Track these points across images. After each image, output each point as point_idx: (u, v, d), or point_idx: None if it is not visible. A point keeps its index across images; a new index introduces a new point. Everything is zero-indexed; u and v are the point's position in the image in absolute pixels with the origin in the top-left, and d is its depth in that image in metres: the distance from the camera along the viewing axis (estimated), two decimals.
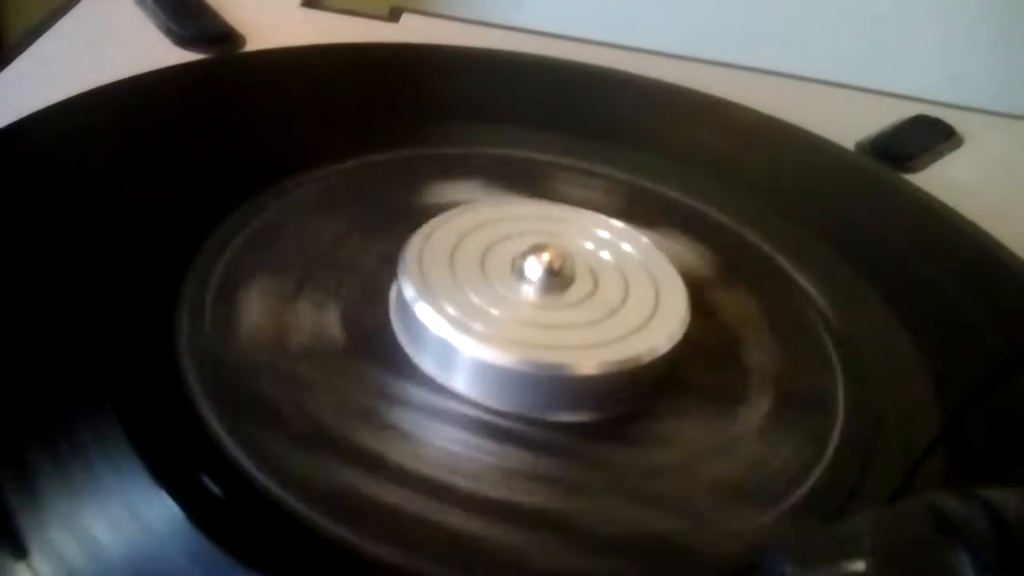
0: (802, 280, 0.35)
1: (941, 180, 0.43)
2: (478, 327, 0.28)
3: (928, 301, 0.36)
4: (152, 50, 0.42)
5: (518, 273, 0.30)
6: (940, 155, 0.45)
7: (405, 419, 0.28)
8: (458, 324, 0.28)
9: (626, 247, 0.32)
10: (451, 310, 0.29)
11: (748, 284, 0.35)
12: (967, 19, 0.52)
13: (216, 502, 0.25)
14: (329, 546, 0.25)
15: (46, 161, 0.36)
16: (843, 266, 0.36)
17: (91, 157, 0.36)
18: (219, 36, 0.44)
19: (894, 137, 0.45)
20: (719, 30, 0.50)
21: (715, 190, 0.39)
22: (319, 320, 0.30)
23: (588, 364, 0.28)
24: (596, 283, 0.31)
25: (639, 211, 0.36)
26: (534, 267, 0.30)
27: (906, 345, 0.33)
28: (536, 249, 0.30)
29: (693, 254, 0.35)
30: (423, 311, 0.29)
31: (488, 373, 0.28)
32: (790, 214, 0.39)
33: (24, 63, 0.41)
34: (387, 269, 0.31)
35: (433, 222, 0.32)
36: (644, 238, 0.33)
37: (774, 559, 0.20)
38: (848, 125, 0.45)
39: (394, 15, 0.48)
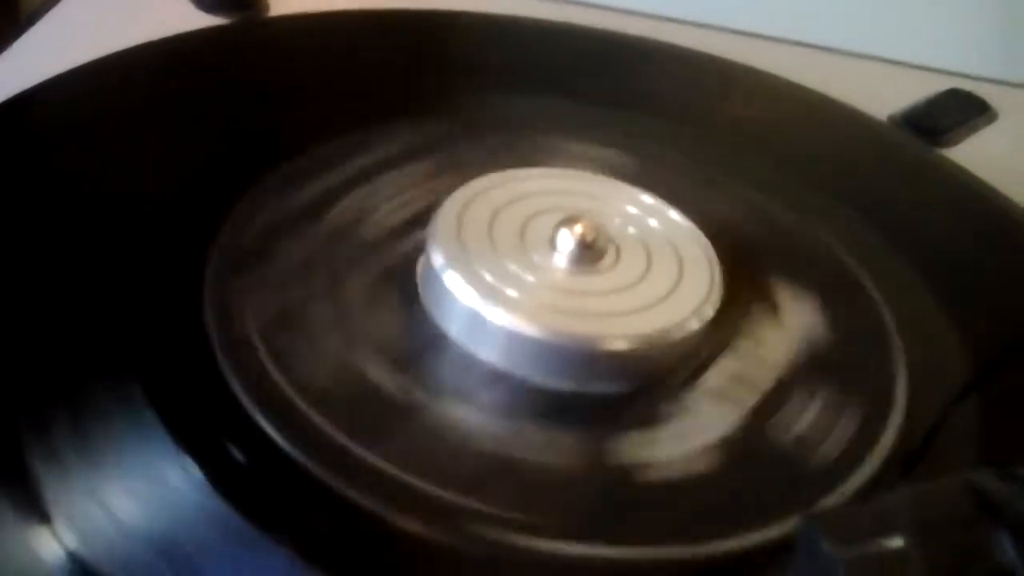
0: (834, 253, 0.35)
1: (975, 155, 0.42)
2: (507, 297, 0.28)
3: (963, 274, 0.36)
4: (174, 15, 0.42)
5: (550, 244, 0.29)
6: (974, 129, 0.44)
7: (432, 389, 0.28)
8: (487, 293, 0.28)
9: (659, 221, 0.32)
10: (481, 279, 0.28)
11: (779, 257, 0.34)
12: None
13: (241, 470, 0.25)
14: (354, 516, 0.24)
15: (65, 126, 0.35)
16: (876, 238, 0.36)
17: (112, 123, 0.35)
18: (242, 1, 0.43)
19: (927, 111, 0.44)
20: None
21: (746, 161, 0.39)
22: (346, 288, 0.30)
23: (618, 339, 0.28)
24: (629, 256, 0.30)
25: (667, 183, 0.35)
26: (566, 239, 0.29)
27: (941, 318, 0.33)
28: (569, 220, 0.29)
29: (724, 226, 0.34)
30: (452, 280, 0.28)
31: (517, 343, 0.28)
32: (822, 186, 0.38)
33: (44, 27, 0.40)
34: (416, 237, 0.31)
35: (463, 190, 0.31)
36: (677, 212, 0.32)
37: (809, 535, 0.19)
38: (880, 98, 0.44)
39: None
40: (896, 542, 0.19)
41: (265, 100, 0.38)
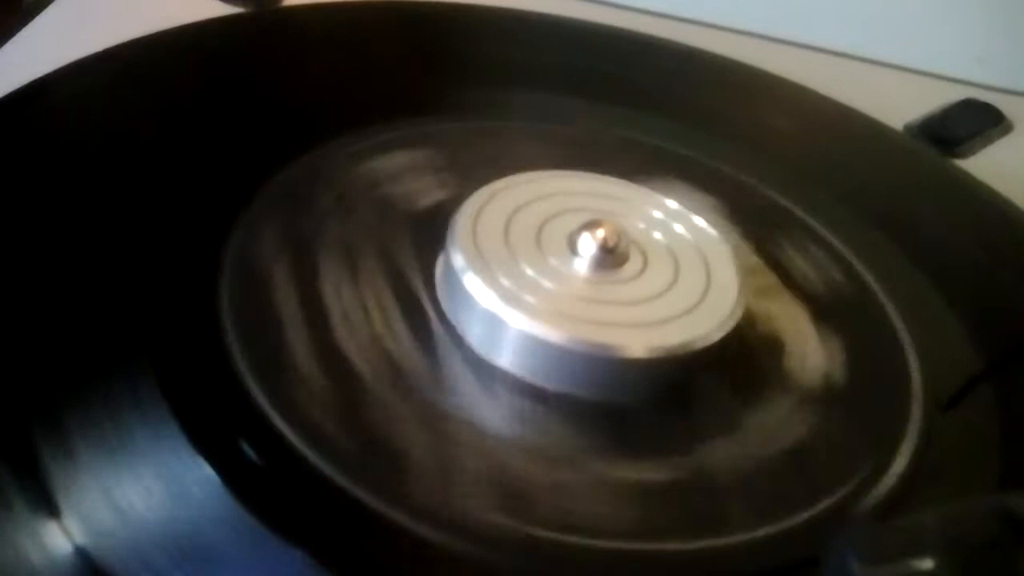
0: (849, 261, 0.35)
1: (990, 165, 0.42)
2: (527, 301, 0.28)
3: (976, 284, 0.36)
4: (189, 3, 0.41)
5: (571, 248, 0.29)
6: (989, 140, 0.44)
7: (449, 391, 0.27)
8: (507, 297, 0.28)
9: (680, 227, 0.32)
10: (500, 282, 0.28)
11: (794, 265, 0.34)
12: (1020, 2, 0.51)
13: (255, 470, 0.25)
14: (367, 518, 0.24)
15: (79, 115, 0.35)
16: (890, 246, 0.36)
17: (126, 113, 0.35)
18: None
19: (943, 121, 0.44)
20: (769, 4, 0.49)
21: (760, 165, 0.38)
22: (363, 287, 0.30)
23: (637, 347, 0.27)
24: (649, 263, 0.30)
25: (682, 187, 0.35)
26: (588, 243, 0.29)
27: (954, 326, 0.33)
28: (590, 225, 0.29)
29: (739, 233, 0.34)
30: (471, 282, 0.28)
31: (535, 349, 0.27)
32: (837, 193, 0.38)
33: (55, 13, 0.40)
34: (434, 237, 0.30)
35: (483, 191, 0.31)
36: (698, 218, 0.32)
37: (839, 554, 0.19)
38: (896, 106, 0.44)
39: None
40: (926, 563, 0.19)
41: (281, 91, 0.37)
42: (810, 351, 0.31)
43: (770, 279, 0.33)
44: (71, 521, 0.23)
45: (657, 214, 0.32)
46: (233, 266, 0.29)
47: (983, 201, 0.40)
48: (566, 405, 0.27)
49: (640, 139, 0.38)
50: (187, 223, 0.31)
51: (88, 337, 0.27)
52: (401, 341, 0.28)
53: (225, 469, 0.24)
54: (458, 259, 0.29)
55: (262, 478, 0.25)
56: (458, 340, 0.29)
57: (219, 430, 0.25)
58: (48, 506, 0.23)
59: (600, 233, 0.29)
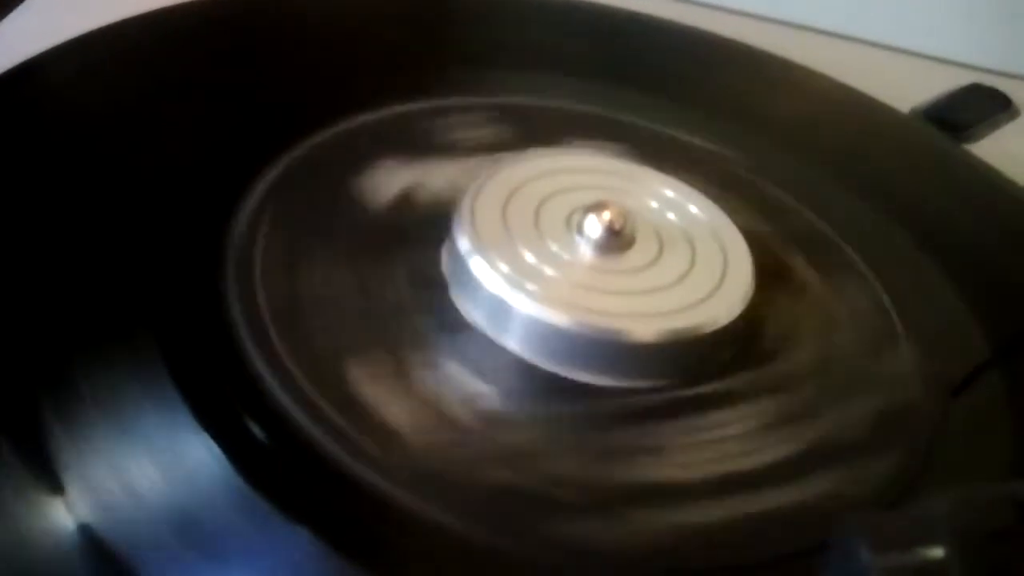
0: (854, 245, 0.35)
1: (998, 151, 0.42)
2: (533, 285, 0.28)
3: (984, 269, 0.35)
4: None
5: (577, 231, 0.29)
6: (996, 125, 0.44)
7: (455, 374, 0.27)
8: (513, 281, 0.28)
9: (688, 210, 0.31)
10: (506, 266, 0.28)
11: (802, 249, 0.34)
12: None
13: (260, 448, 0.25)
14: (371, 497, 0.24)
15: (83, 90, 0.34)
16: (898, 233, 0.36)
17: (129, 88, 0.35)
18: None
19: (949, 105, 0.44)
20: None
21: (766, 150, 0.38)
22: (368, 269, 0.30)
23: (645, 331, 0.27)
24: (657, 245, 0.30)
25: (687, 170, 0.35)
26: (594, 225, 0.29)
27: (962, 312, 0.33)
28: (596, 207, 0.29)
29: (744, 217, 0.34)
30: (478, 265, 0.28)
31: (541, 332, 0.27)
32: (842, 176, 0.38)
33: None
34: (440, 219, 0.30)
35: (489, 173, 0.31)
36: (707, 200, 0.32)
37: (848, 541, 0.19)
38: (901, 90, 0.44)
39: None
40: (936, 552, 0.19)
41: (280, 71, 0.37)
42: (814, 337, 0.31)
43: (774, 264, 0.33)
44: (76, 497, 0.23)
45: (664, 196, 0.32)
46: (239, 242, 0.29)
47: (991, 186, 0.39)
48: (571, 388, 0.27)
49: (643, 121, 0.38)
50: (193, 197, 0.31)
51: (93, 313, 0.27)
52: (407, 323, 0.28)
53: (230, 447, 0.24)
54: (464, 242, 0.29)
55: (267, 456, 0.24)
56: (465, 323, 0.28)
57: (224, 407, 0.25)
58: (52, 483, 0.23)
59: (606, 215, 0.29)
